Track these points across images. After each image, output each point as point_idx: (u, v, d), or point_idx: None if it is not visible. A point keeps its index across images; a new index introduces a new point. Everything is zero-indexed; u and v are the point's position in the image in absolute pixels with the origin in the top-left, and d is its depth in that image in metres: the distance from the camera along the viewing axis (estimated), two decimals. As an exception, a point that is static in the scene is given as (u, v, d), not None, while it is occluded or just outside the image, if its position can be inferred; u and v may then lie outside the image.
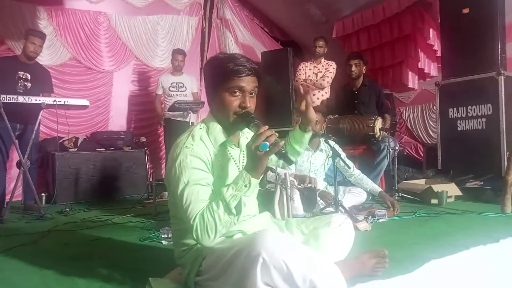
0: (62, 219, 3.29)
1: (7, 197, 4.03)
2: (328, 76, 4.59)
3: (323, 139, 3.12)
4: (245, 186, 1.26)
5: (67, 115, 4.86)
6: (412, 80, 5.62)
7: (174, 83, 4.78)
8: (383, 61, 5.74)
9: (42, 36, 3.82)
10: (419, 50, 5.33)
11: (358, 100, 4.08)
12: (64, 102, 3.61)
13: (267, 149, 1.23)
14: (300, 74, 4.78)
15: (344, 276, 1.42)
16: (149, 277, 1.55)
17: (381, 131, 3.70)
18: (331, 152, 2.91)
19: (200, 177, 1.33)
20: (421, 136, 5.98)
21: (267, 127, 1.29)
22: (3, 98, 3.30)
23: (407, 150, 6.16)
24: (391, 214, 2.85)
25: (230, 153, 1.47)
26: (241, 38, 6.47)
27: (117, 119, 5.57)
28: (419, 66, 5.43)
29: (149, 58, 5.70)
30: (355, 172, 3.23)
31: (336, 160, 3.11)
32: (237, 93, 1.37)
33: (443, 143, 4.18)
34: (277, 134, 1.29)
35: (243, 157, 1.52)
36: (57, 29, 5.02)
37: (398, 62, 5.56)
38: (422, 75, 5.60)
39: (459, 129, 4.06)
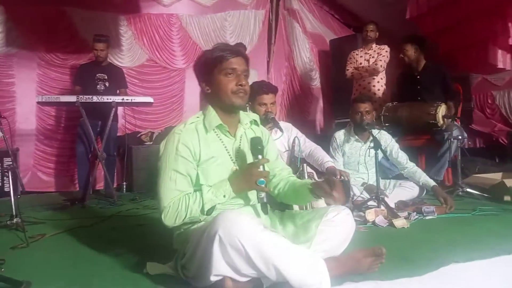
0: (129, 206, 3.64)
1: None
2: (381, 60, 4.27)
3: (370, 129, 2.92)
4: (224, 196, 1.41)
5: (147, 111, 5.41)
6: (503, 59, 4.88)
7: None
8: (464, 40, 5.09)
9: (105, 40, 4.25)
10: (510, 24, 4.61)
11: (420, 85, 3.71)
12: (131, 100, 3.99)
13: (260, 185, 1.41)
14: (350, 63, 4.53)
15: (333, 272, 1.39)
16: (161, 261, 1.66)
17: (445, 119, 3.32)
18: (378, 143, 2.73)
19: (180, 165, 1.44)
20: (519, 123, 5.21)
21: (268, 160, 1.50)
22: (81, 98, 3.77)
23: (502, 139, 5.44)
24: (442, 211, 2.58)
25: (221, 140, 1.54)
26: (310, 27, 6.35)
27: (190, 113, 5.89)
28: (511, 43, 4.70)
29: (218, 54, 5.93)
30: (409, 165, 2.98)
31: (388, 152, 2.94)
32: (231, 74, 1.49)
33: (531, 130, 3.59)
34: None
35: (239, 146, 1.58)
36: (135, 33, 5.52)
37: (482, 39, 4.88)
38: (515, 52, 4.84)
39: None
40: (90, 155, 4.30)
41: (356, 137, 3.10)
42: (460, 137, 3.13)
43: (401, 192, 2.92)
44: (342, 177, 2.43)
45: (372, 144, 2.66)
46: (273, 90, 2.71)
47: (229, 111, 1.55)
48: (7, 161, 4.54)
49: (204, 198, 1.39)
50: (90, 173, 4.15)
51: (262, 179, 1.39)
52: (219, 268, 1.21)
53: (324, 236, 1.48)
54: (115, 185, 4.99)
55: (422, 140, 3.60)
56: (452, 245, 1.90)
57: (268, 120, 2.63)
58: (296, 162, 2.23)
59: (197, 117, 1.56)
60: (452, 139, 3.13)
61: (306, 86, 6.36)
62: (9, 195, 4.35)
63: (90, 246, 2.13)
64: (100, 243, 2.19)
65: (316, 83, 6.41)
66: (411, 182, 2.97)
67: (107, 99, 3.88)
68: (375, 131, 2.82)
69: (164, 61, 5.69)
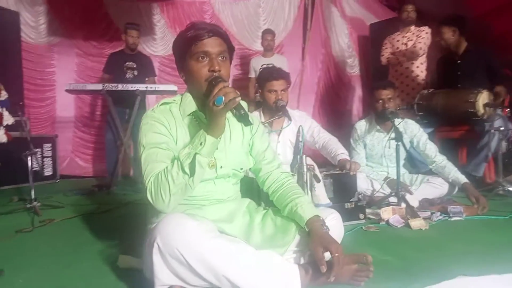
0: (149, 193, 3.64)
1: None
2: (420, 42, 3.88)
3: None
4: (200, 144, 1.21)
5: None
6: None
7: (264, 64, 4.75)
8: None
9: (137, 28, 4.28)
10: None
11: (461, 71, 3.31)
12: (155, 88, 3.98)
13: (222, 104, 1.17)
14: (386, 48, 4.18)
15: (309, 282, 1.25)
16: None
17: (486, 108, 2.93)
18: (400, 134, 2.46)
19: (159, 141, 1.30)
20: None
21: (227, 84, 1.23)
22: (106, 87, 3.83)
23: None
24: (473, 212, 2.27)
25: (200, 127, 1.38)
26: (349, 11, 5.99)
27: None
28: None
29: (251, 42, 5.79)
30: (437, 159, 2.66)
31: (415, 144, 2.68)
32: (204, 59, 1.31)
33: None
34: (238, 93, 1.21)
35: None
36: (168, 21, 5.54)
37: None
38: None
39: None
40: (118, 142, 4.38)
41: (378, 127, 2.82)
42: (502, 128, 2.74)
43: (427, 188, 2.63)
44: (348, 171, 2.20)
45: (393, 135, 2.39)
46: (283, 76, 2.52)
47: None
48: (47, 147, 4.77)
49: (181, 157, 1.21)
50: (117, 160, 4.22)
51: (219, 97, 1.16)
52: (163, 279, 1.11)
53: (304, 241, 1.31)
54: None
55: (461, 132, 3.22)
56: (470, 253, 1.63)
57: (278, 108, 2.46)
58: (299, 153, 2.03)
59: (174, 99, 1.42)
60: (493, 131, 2.75)
61: (343, 74, 6.03)
62: (49, 179, 4.65)
63: (86, 234, 2.14)
64: (99, 231, 2.18)
65: (355, 70, 6.05)
66: (441, 178, 2.65)
67: (131, 87, 3.90)
68: (398, 121, 2.54)
69: (196, 49, 5.64)
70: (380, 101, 2.72)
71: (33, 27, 5.12)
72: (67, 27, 5.25)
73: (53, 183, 4.61)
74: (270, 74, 2.51)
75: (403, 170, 2.90)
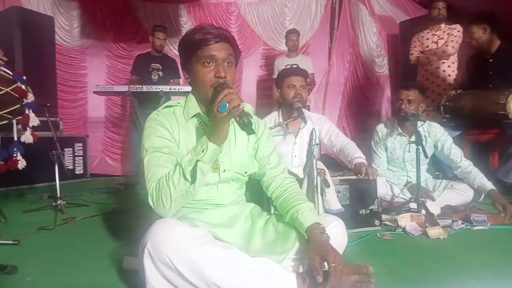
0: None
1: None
2: (452, 41, 3.68)
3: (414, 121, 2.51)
4: (202, 150, 1.21)
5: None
6: None
7: (288, 65, 4.69)
8: None
9: (165, 30, 4.37)
10: None
11: (493, 70, 3.12)
12: (178, 89, 4.04)
13: (226, 111, 1.16)
14: (415, 47, 4.01)
15: None
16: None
17: (519, 110, 2.75)
18: (420, 138, 2.35)
19: (162, 145, 1.31)
20: None
21: (232, 90, 1.22)
22: (132, 88, 3.92)
23: None
24: (499, 221, 2.14)
25: (204, 130, 1.38)
26: (378, 9, 5.82)
27: (248, 103, 5.84)
28: None
29: (276, 42, 5.76)
30: (463, 164, 2.53)
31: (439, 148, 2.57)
32: (210, 64, 1.30)
33: None
34: (243, 101, 1.20)
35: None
36: (194, 23, 5.59)
37: None
38: None
39: None
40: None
41: (400, 130, 2.71)
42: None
43: (451, 195, 2.50)
44: (366, 176, 2.13)
45: (414, 139, 2.29)
46: (302, 73, 2.52)
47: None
48: (78, 147, 4.94)
49: (182, 163, 1.21)
50: (142, 160, 4.31)
51: (223, 103, 1.16)
52: (154, 284, 1.11)
53: (304, 249, 1.27)
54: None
55: (490, 135, 3.04)
56: (488, 265, 1.53)
57: (293, 110, 2.44)
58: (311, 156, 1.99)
59: (178, 102, 1.43)
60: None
61: (371, 74, 5.87)
62: (79, 178, 4.82)
63: (102, 233, 2.20)
64: (114, 230, 2.23)
65: (384, 70, 5.88)
66: (466, 184, 2.52)
67: (156, 88, 3.97)
68: (420, 123, 2.43)
69: (222, 50, 5.67)
70: (400, 101, 2.62)
71: (67, 30, 5.34)
72: (99, 30, 5.43)
73: (83, 181, 4.78)
74: (289, 70, 2.53)
75: (426, 175, 2.79)
